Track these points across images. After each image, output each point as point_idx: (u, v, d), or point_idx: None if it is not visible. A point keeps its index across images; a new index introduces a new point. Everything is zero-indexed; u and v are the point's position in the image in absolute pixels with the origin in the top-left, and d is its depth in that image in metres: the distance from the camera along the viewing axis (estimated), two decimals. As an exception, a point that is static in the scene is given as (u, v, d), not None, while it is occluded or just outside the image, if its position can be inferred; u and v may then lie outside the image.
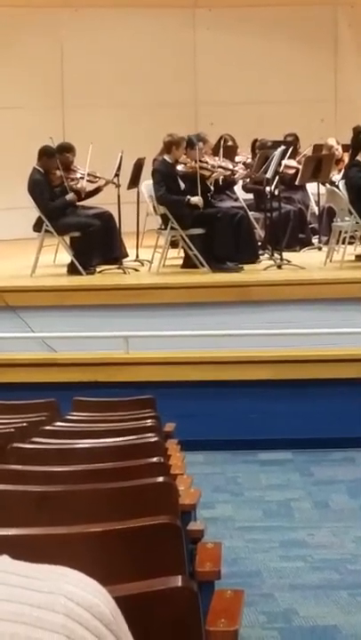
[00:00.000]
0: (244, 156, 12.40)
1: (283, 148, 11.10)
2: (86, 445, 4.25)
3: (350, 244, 10.54)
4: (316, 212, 12.10)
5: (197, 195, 10.14)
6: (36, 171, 10.45)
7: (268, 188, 10.84)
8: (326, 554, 5.94)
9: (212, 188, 10.64)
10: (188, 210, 10.20)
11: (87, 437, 4.50)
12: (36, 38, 14.21)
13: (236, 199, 11.45)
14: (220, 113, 14.00)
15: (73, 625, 0.87)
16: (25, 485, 3.24)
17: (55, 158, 10.48)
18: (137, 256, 10.94)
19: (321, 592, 5.32)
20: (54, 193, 10.45)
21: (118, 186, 10.58)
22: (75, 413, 5.67)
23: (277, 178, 10.80)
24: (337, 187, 10.87)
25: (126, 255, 10.78)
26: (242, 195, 11.73)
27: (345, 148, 11.89)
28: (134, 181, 11.26)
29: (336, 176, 11.56)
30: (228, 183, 11.22)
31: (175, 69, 14.83)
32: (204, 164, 10.54)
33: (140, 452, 3.94)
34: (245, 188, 11.80)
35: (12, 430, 4.68)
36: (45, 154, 10.50)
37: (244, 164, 11.84)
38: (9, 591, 0.88)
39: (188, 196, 10.20)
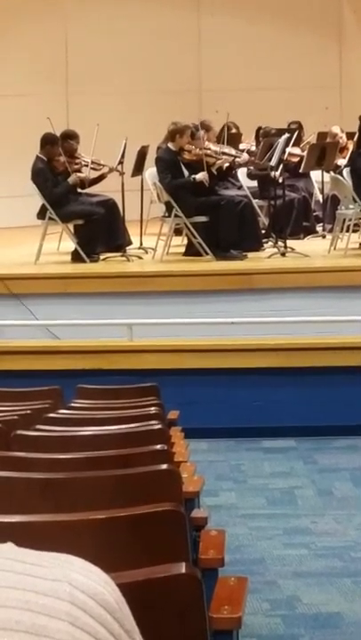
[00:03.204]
0: (248, 143, 12.38)
1: (287, 135, 11.08)
2: (90, 433, 4.26)
3: (355, 231, 10.52)
4: (321, 200, 12.08)
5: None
6: (39, 159, 10.44)
7: (273, 173, 10.81)
8: (330, 541, 5.95)
9: (215, 172, 10.60)
10: (192, 198, 10.19)
11: (91, 425, 4.50)
12: (40, 25, 14.18)
13: (240, 187, 11.43)
14: (224, 100, 13.94)
15: (77, 612, 0.87)
16: (29, 473, 3.25)
17: (58, 146, 10.48)
18: (141, 244, 10.93)
19: (324, 579, 5.33)
20: (58, 180, 10.44)
21: (122, 173, 10.56)
22: (78, 401, 5.67)
23: (281, 165, 10.78)
24: (341, 174, 10.85)
25: (130, 243, 10.76)
26: (246, 182, 11.71)
27: (349, 135, 11.86)
28: (138, 169, 11.24)
29: (341, 161, 11.53)
30: (230, 170, 11.19)
31: (179, 56, 14.79)
32: (209, 152, 10.52)
33: (144, 440, 3.94)
34: (250, 175, 11.78)
35: (16, 418, 4.69)
36: (48, 142, 10.49)
37: (248, 151, 11.81)
38: (14, 578, 0.88)
39: (193, 176, 10.21)
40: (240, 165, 11.40)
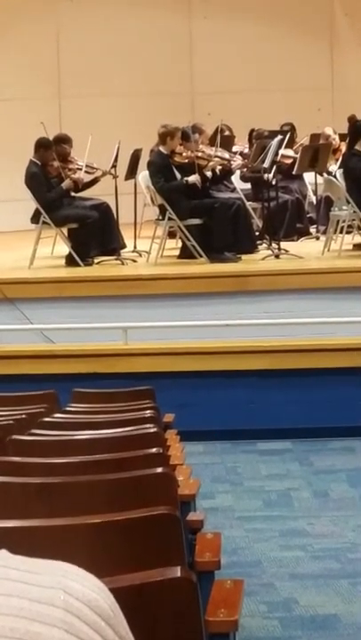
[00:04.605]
0: (241, 145, 12.38)
1: (280, 137, 11.08)
2: (85, 437, 4.26)
3: (348, 233, 10.53)
4: (314, 202, 12.09)
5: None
6: (33, 163, 10.43)
7: (266, 175, 10.82)
8: (326, 543, 5.95)
9: (208, 174, 10.60)
10: (186, 200, 10.19)
11: (86, 429, 4.50)
12: (32, 27, 14.17)
13: (234, 189, 11.44)
14: (216, 102, 13.97)
15: (72, 619, 0.87)
16: (24, 477, 3.25)
17: (52, 150, 10.47)
18: (135, 247, 10.93)
19: (321, 581, 5.33)
20: (51, 185, 10.44)
21: (116, 177, 10.57)
22: (74, 405, 5.67)
23: (275, 167, 10.79)
24: (334, 176, 10.86)
25: (124, 246, 10.77)
26: (239, 185, 11.72)
27: (342, 137, 11.87)
28: (132, 172, 11.24)
29: (333, 166, 11.54)
30: (226, 173, 11.20)
31: (172, 59, 14.80)
32: (201, 154, 10.53)
33: (140, 443, 3.94)
34: (244, 178, 11.79)
35: (12, 422, 4.69)
36: (42, 146, 10.48)
37: (241, 154, 11.82)
38: (9, 586, 0.88)
39: (186, 178, 10.21)
40: (237, 169, 11.41)
